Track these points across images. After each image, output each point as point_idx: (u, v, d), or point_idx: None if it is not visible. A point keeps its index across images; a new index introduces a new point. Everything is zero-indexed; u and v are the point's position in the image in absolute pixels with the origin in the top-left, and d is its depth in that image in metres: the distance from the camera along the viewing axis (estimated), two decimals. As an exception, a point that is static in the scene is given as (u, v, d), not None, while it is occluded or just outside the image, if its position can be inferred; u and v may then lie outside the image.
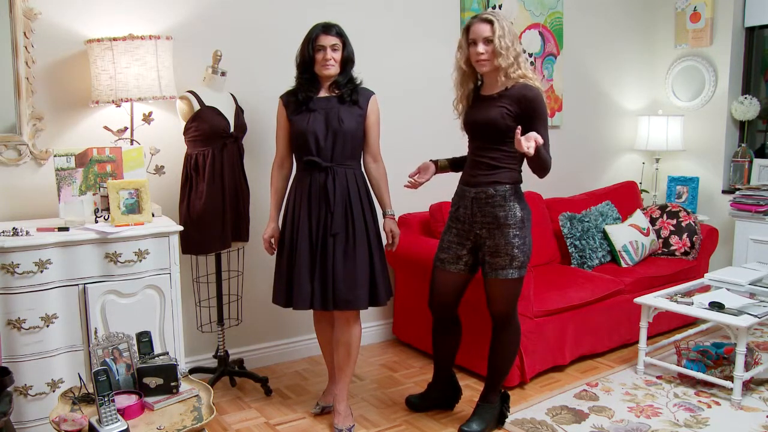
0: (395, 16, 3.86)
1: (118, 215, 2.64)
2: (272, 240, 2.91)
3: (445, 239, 2.84)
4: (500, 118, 2.61)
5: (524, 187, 4.19)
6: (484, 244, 2.70)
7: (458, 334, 2.97)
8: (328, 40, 2.71)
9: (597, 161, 5.05)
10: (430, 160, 2.94)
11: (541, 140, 2.44)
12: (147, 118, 2.92)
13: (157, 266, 2.67)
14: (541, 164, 2.58)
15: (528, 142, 2.41)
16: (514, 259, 2.66)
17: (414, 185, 2.90)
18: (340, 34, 2.75)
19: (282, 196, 2.93)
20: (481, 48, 2.58)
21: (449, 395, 3.07)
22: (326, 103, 2.77)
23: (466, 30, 2.65)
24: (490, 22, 2.57)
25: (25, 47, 2.79)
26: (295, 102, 2.79)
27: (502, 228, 2.65)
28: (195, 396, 2.19)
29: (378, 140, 2.90)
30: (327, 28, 2.73)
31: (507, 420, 2.92)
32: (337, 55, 2.74)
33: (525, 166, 2.73)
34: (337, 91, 2.79)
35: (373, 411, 3.09)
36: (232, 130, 3.01)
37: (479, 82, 2.78)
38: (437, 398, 3.07)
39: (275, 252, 2.93)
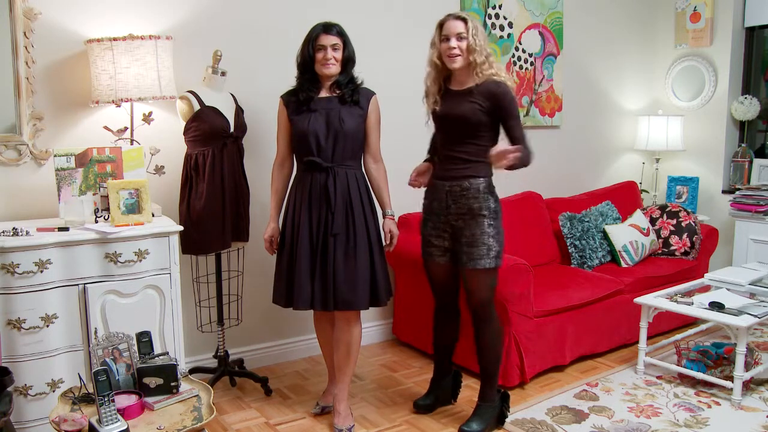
0: (395, 16, 3.86)
1: (118, 215, 2.64)
2: (272, 240, 2.91)
3: (425, 233, 2.90)
4: (472, 114, 2.67)
5: (524, 187, 4.26)
6: (462, 235, 2.74)
7: (456, 323, 3.00)
8: (329, 40, 2.71)
9: (597, 161, 5.05)
10: (425, 161, 2.97)
11: (511, 157, 2.53)
12: (147, 118, 2.92)
13: (157, 266, 2.67)
14: (522, 165, 2.66)
15: (501, 161, 2.55)
16: (490, 249, 2.72)
17: (418, 185, 2.93)
18: (341, 34, 2.75)
19: (282, 197, 2.93)
20: (453, 43, 2.66)
21: (452, 386, 3.08)
22: (327, 103, 2.77)
23: (440, 27, 2.72)
24: (464, 20, 2.67)
25: (25, 47, 2.79)
26: (296, 102, 2.79)
27: (477, 218, 2.71)
28: (195, 396, 2.19)
29: (378, 141, 2.90)
30: (328, 28, 2.73)
31: (507, 420, 2.92)
32: (338, 55, 2.74)
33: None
34: (338, 91, 2.79)
35: (373, 411, 3.09)
36: (232, 130, 3.01)
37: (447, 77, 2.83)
38: (442, 391, 3.07)
39: (276, 252, 2.93)
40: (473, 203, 2.71)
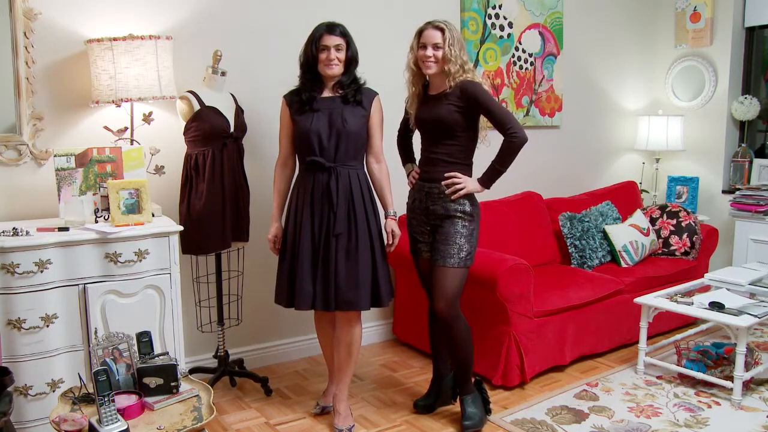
0: (395, 16, 3.86)
1: (118, 215, 2.64)
2: (276, 240, 2.90)
3: (411, 231, 2.97)
4: (447, 115, 2.76)
5: (524, 187, 4.26)
6: (438, 233, 2.82)
7: None
8: (332, 40, 2.71)
9: (597, 161, 5.05)
10: (406, 164, 3.11)
11: (460, 182, 2.75)
12: (147, 118, 2.92)
13: (157, 266, 2.67)
14: (513, 156, 2.75)
15: (454, 187, 2.76)
16: (461, 249, 2.77)
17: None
18: (344, 34, 2.75)
19: (285, 196, 2.93)
20: (429, 52, 2.74)
21: (451, 386, 3.08)
22: (330, 103, 2.77)
23: (419, 34, 2.80)
24: (442, 30, 2.74)
25: (25, 47, 2.79)
26: (299, 102, 2.79)
27: (452, 218, 2.79)
28: (195, 396, 2.19)
29: (381, 141, 2.90)
30: (331, 28, 2.73)
31: (507, 420, 2.91)
32: (341, 55, 2.74)
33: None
34: (340, 91, 2.79)
35: (373, 411, 3.09)
36: (232, 130, 3.01)
37: (426, 83, 2.91)
38: (441, 391, 3.07)
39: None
40: (450, 205, 2.79)
